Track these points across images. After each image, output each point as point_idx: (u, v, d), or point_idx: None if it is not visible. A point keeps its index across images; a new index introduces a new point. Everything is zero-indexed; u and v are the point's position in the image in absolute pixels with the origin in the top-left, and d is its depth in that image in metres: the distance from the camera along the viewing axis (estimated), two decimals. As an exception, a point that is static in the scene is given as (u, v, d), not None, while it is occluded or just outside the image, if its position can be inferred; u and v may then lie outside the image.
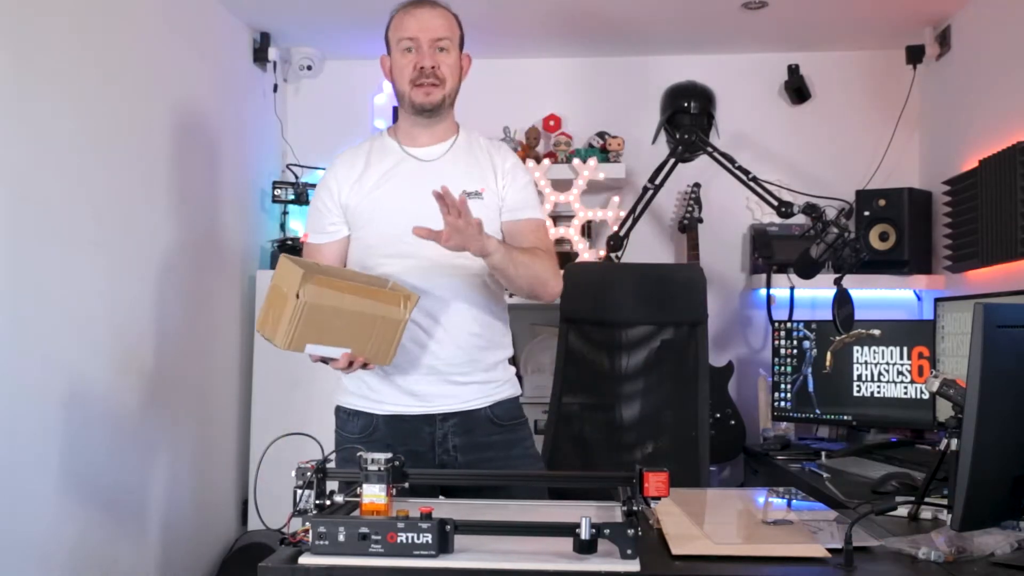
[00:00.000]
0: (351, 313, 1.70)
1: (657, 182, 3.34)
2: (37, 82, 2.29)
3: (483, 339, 1.98)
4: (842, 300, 2.59)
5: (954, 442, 1.58)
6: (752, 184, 3.01)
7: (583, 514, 1.35)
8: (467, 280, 1.96)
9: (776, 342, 3.26)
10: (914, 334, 2.90)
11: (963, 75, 3.32)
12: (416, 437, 1.94)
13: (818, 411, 3.11)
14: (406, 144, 2.01)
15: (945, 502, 1.69)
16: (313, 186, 3.56)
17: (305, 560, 1.35)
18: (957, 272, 3.24)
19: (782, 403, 3.21)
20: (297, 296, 1.62)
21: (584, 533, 1.33)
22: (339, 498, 1.54)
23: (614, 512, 1.60)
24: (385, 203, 1.95)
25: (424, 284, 1.91)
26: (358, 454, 1.47)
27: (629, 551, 1.33)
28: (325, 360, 1.76)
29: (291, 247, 3.45)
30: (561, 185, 3.56)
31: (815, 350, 3.13)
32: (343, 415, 2.03)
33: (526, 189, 2.04)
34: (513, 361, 2.10)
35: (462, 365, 1.95)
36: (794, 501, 1.88)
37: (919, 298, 3.62)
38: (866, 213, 3.48)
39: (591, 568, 1.32)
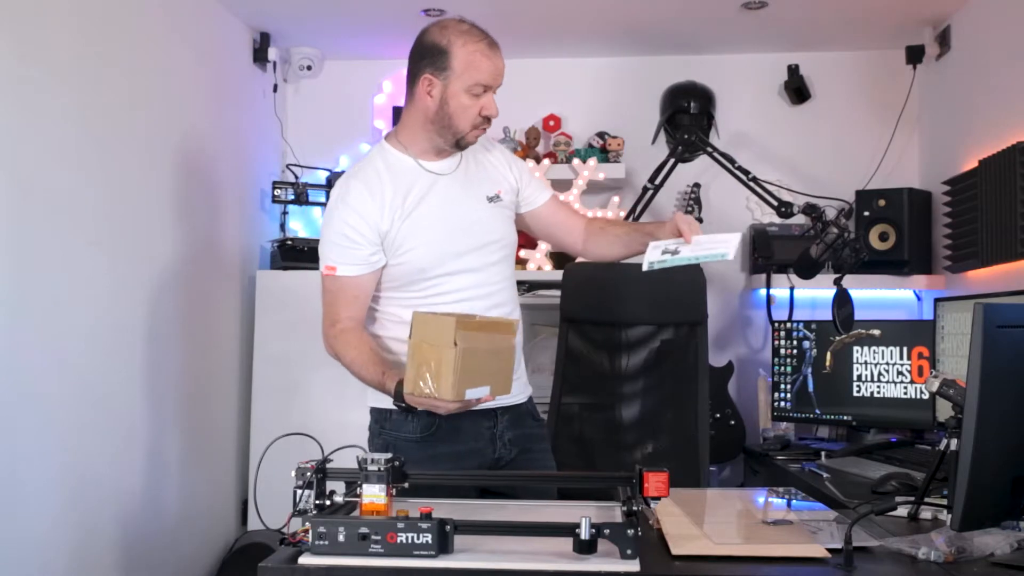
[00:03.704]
0: (491, 351, 1.73)
1: (657, 182, 3.34)
2: (39, 83, 2.29)
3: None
4: (842, 300, 2.58)
5: (954, 442, 1.58)
6: (752, 184, 3.01)
7: (583, 514, 1.35)
8: (504, 281, 2.02)
9: (776, 342, 3.26)
10: (914, 334, 2.90)
11: (963, 75, 3.32)
12: (476, 433, 1.94)
13: (818, 411, 3.11)
14: (421, 158, 1.96)
15: (945, 502, 1.69)
16: (313, 186, 3.59)
17: (305, 560, 1.35)
18: (957, 272, 3.24)
19: (782, 403, 3.21)
20: (455, 344, 1.61)
21: (584, 533, 1.33)
22: (339, 498, 1.54)
23: (614, 512, 1.60)
24: (424, 224, 1.91)
25: (484, 292, 1.95)
26: (357, 455, 1.47)
27: (629, 551, 1.33)
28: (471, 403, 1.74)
29: (291, 247, 3.45)
30: (561, 185, 3.56)
31: (815, 350, 3.13)
32: (396, 416, 1.92)
33: (531, 176, 2.13)
34: None
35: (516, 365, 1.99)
36: (794, 501, 1.88)
37: (919, 298, 3.62)
38: (866, 213, 3.48)
39: (591, 568, 1.32)
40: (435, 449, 1.88)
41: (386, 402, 1.90)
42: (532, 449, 2.03)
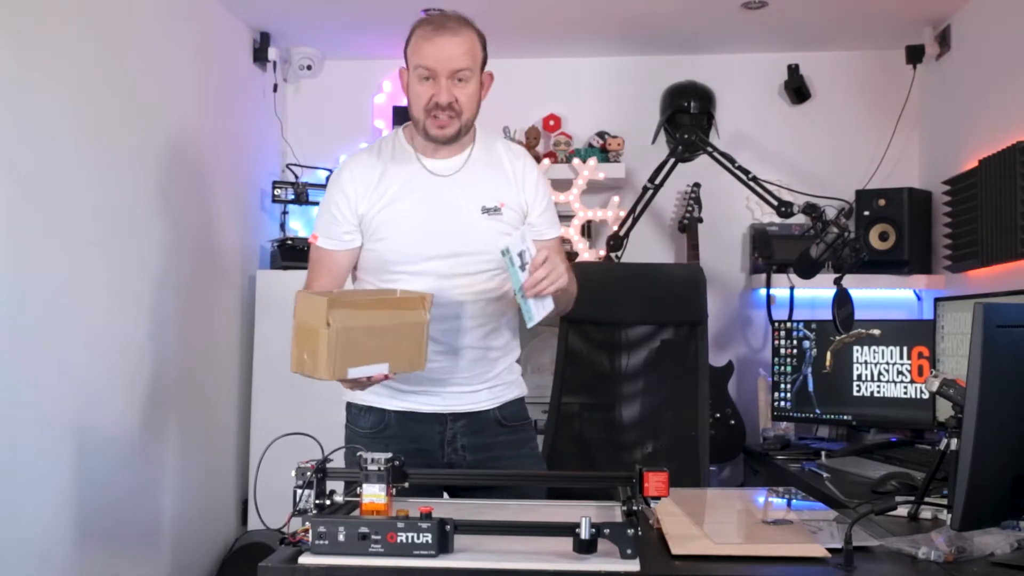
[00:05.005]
0: (380, 328, 1.70)
1: (657, 182, 3.34)
2: (38, 82, 2.29)
3: (494, 351, 1.99)
4: (842, 300, 2.58)
5: (954, 442, 1.58)
6: (752, 184, 3.01)
7: (583, 514, 1.35)
8: (480, 295, 1.94)
9: (776, 342, 3.26)
10: (914, 334, 2.90)
11: (963, 75, 3.32)
12: (426, 435, 1.95)
13: (818, 411, 3.11)
14: (422, 154, 1.95)
15: (945, 502, 1.69)
16: (313, 186, 3.59)
17: (305, 560, 1.35)
18: (957, 272, 3.24)
19: (782, 403, 3.21)
20: (328, 324, 1.60)
21: (584, 533, 1.33)
22: (339, 498, 1.54)
23: (614, 512, 1.60)
24: (401, 218, 1.90)
25: (439, 300, 1.87)
26: (358, 454, 1.47)
27: (629, 551, 1.33)
28: (362, 382, 1.73)
29: (291, 247, 3.45)
30: (561, 185, 3.56)
31: (815, 350, 3.13)
32: (355, 410, 2.02)
33: (548, 206, 2.03)
34: (519, 359, 2.11)
35: (472, 378, 1.97)
36: (794, 501, 1.88)
37: (919, 298, 3.62)
38: (866, 213, 3.48)
39: (591, 568, 1.32)
40: (385, 445, 1.87)
41: (351, 396, 1.99)
42: (501, 457, 1.97)
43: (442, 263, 1.90)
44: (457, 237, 1.90)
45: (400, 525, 1.35)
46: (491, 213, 1.92)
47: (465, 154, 1.96)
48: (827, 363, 3.05)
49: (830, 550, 1.42)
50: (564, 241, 3.52)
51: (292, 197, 3.57)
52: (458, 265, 1.91)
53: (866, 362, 2.99)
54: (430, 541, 1.34)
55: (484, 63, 1.93)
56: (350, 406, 2.04)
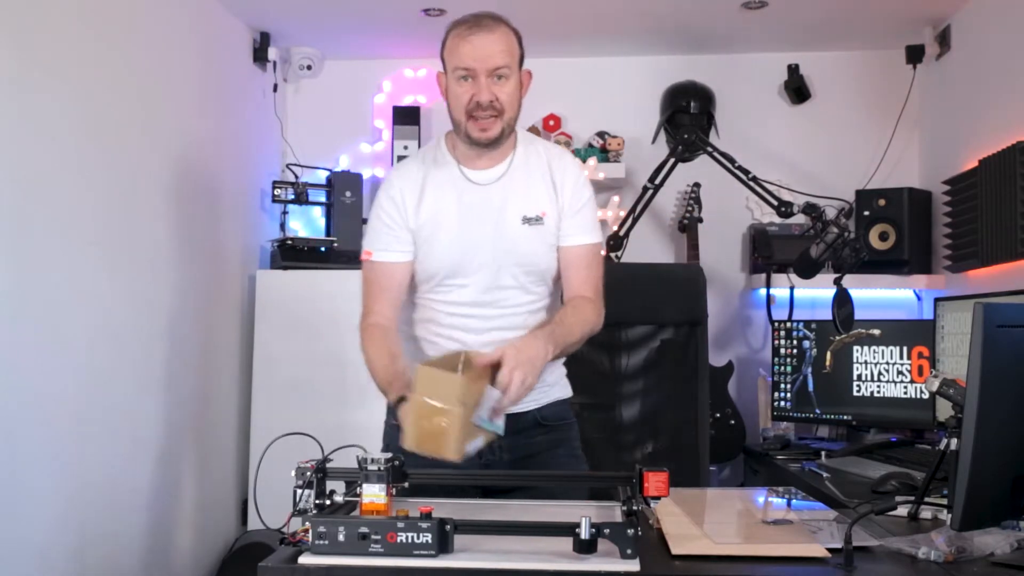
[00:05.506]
0: (479, 400, 1.64)
1: (657, 182, 3.34)
2: (38, 82, 2.29)
3: None
4: (842, 300, 2.59)
5: (954, 442, 1.58)
6: (752, 184, 3.01)
7: (583, 514, 1.35)
8: (522, 305, 1.91)
9: (776, 342, 3.26)
10: (914, 334, 2.91)
11: (963, 75, 3.32)
12: None
13: (818, 411, 3.11)
14: (463, 163, 1.91)
15: (945, 502, 1.69)
16: (313, 186, 3.59)
17: (305, 560, 1.35)
18: (957, 272, 3.24)
19: (782, 403, 3.21)
20: (462, 404, 1.54)
21: (584, 533, 1.32)
22: (339, 498, 1.54)
23: (614, 512, 1.60)
24: (442, 230, 1.88)
25: (489, 313, 1.87)
26: (357, 454, 1.47)
27: (629, 551, 1.33)
28: None
29: (291, 247, 3.45)
30: (561, 185, 3.55)
31: (815, 350, 3.13)
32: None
33: (583, 209, 1.94)
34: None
35: None
36: (794, 501, 1.88)
37: (919, 298, 3.62)
38: (866, 213, 3.48)
39: (591, 568, 1.32)
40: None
41: None
42: (537, 457, 1.94)
43: (484, 275, 1.87)
44: (499, 248, 1.86)
45: (400, 525, 1.35)
46: (532, 223, 1.88)
47: (506, 162, 1.91)
48: (827, 363, 3.05)
49: (830, 550, 1.42)
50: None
51: (292, 197, 3.57)
52: (500, 276, 1.87)
53: (866, 362, 2.99)
54: (430, 541, 1.34)
55: (522, 60, 1.90)
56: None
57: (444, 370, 1.56)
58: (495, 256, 1.87)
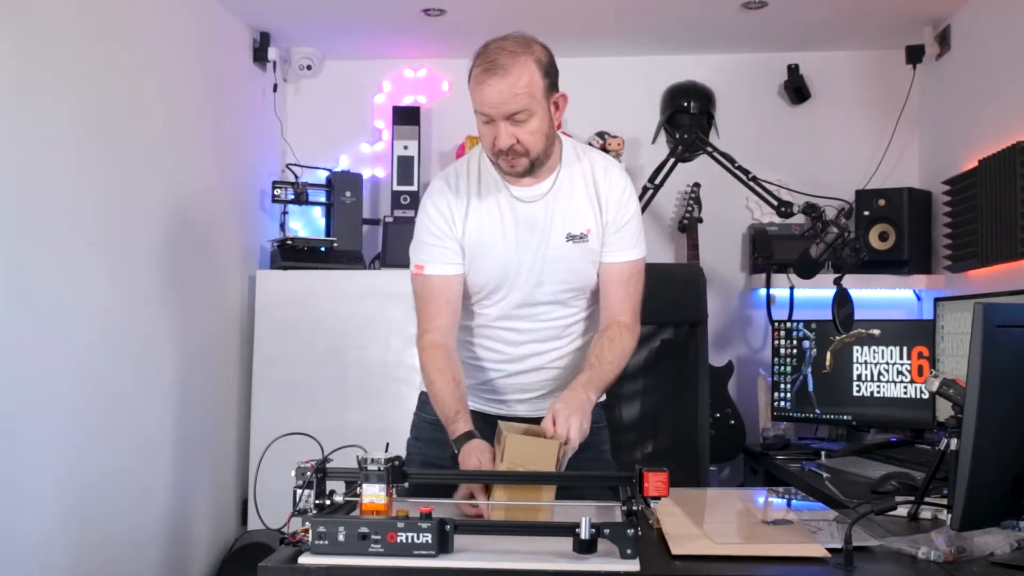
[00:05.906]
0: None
1: (657, 182, 3.34)
2: (38, 82, 2.29)
3: (569, 371, 1.93)
4: (842, 300, 2.59)
5: (954, 442, 1.58)
6: (752, 184, 3.01)
7: (583, 514, 1.35)
8: (563, 318, 1.91)
9: (776, 342, 3.26)
10: (914, 334, 2.91)
11: (963, 75, 3.32)
12: (490, 435, 1.89)
13: (818, 411, 3.11)
14: (508, 180, 1.87)
15: (945, 502, 1.69)
16: (313, 186, 3.59)
17: (305, 560, 1.35)
18: (957, 272, 3.24)
19: (782, 403, 3.21)
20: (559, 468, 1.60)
21: (584, 533, 1.33)
22: (339, 498, 1.54)
23: (614, 512, 1.60)
24: (486, 246, 1.86)
25: (526, 327, 1.88)
26: (357, 454, 1.47)
27: (629, 551, 1.33)
28: None
29: (291, 247, 3.45)
30: (561, 185, 3.56)
31: (815, 350, 3.13)
32: (426, 398, 1.94)
33: (628, 225, 1.90)
34: None
35: (551, 394, 1.92)
36: (794, 501, 1.88)
37: (919, 298, 3.62)
38: (866, 213, 3.48)
39: (591, 568, 1.32)
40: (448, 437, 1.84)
41: (424, 386, 1.92)
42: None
43: (527, 290, 1.86)
44: (543, 265, 1.85)
45: (400, 525, 1.35)
46: (577, 240, 1.86)
47: (551, 179, 1.87)
48: (827, 363, 3.05)
49: (830, 550, 1.42)
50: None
51: (292, 197, 3.57)
52: (543, 292, 1.87)
53: (866, 362, 2.99)
54: (430, 541, 1.34)
55: (551, 86, 1.79)
56: (423, 395, 1.99)
57: (532, 436, 1.61)
58: (538, 273, 1.86)
